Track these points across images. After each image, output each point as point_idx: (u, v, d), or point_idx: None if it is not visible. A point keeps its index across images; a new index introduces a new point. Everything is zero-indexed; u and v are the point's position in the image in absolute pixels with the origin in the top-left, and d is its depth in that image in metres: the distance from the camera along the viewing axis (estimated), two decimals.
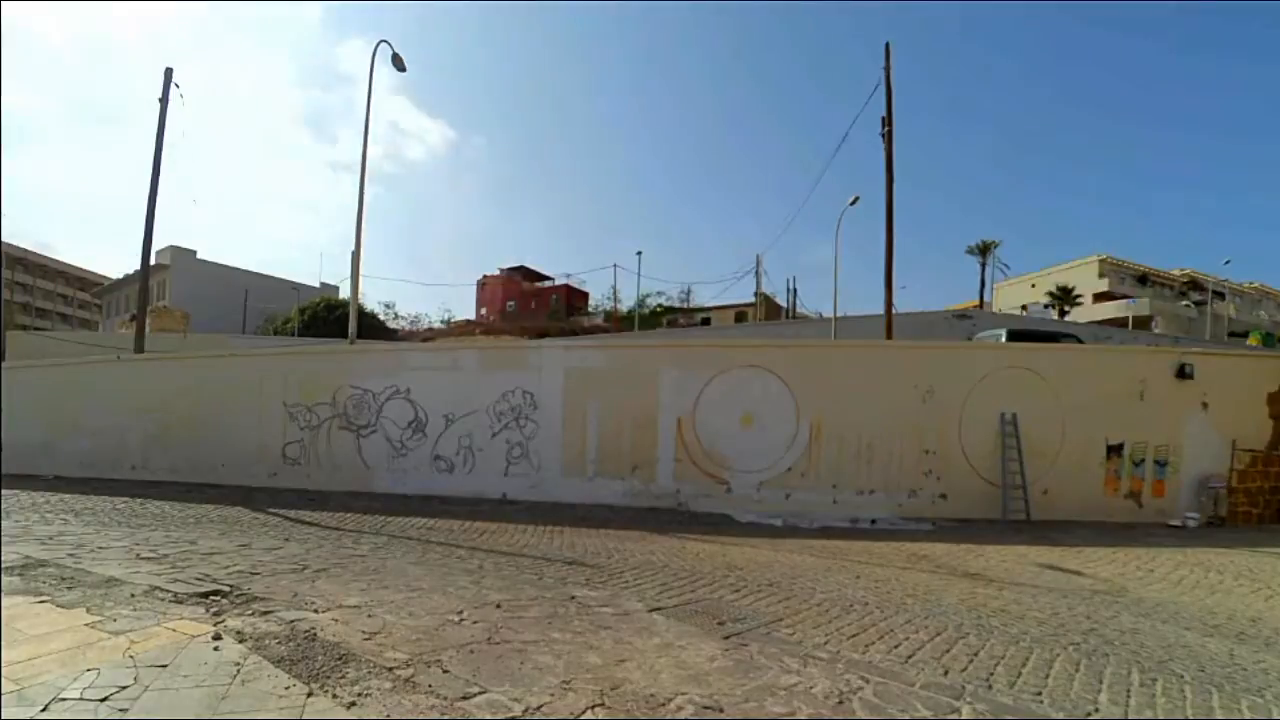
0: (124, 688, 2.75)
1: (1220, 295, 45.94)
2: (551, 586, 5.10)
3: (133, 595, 4.30)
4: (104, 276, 63.11)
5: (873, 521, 10.02)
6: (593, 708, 2.78)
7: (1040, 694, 3.22)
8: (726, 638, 3.89)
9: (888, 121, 17.00)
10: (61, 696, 2.65)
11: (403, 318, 49.07)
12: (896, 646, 3.87)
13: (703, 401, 10.89)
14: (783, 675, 3.27)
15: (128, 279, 48.44)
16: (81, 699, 2.64)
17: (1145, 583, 6.35)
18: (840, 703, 2.96)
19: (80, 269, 71.13)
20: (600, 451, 11.17)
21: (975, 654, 3.80)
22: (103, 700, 2.63)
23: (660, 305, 49.24)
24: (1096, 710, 3.08)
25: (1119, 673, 3.61)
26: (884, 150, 17.02)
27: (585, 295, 55.72)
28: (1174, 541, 8.97)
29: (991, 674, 3.46)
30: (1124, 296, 48.43)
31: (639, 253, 74.63)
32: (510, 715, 2.68)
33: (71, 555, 5.57)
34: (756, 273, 44.62)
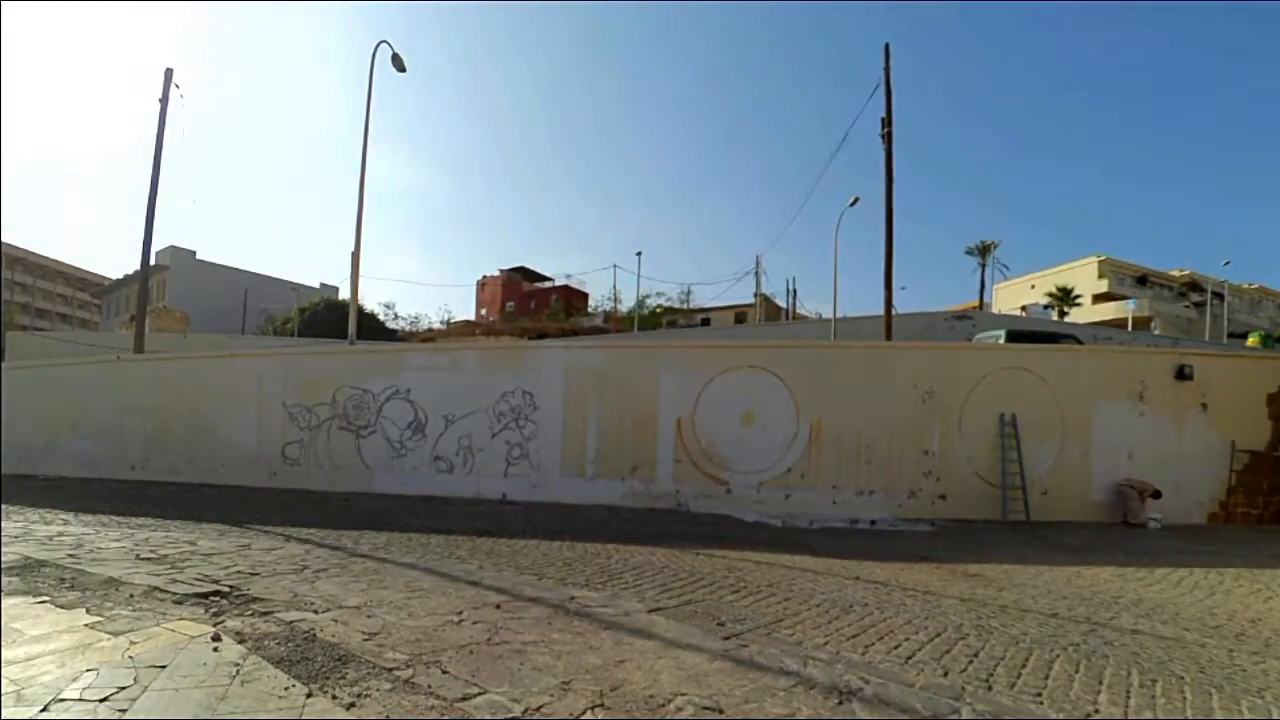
0: (123, 688, 2.75)
1: (1220, 296, 45.92)
2: (551, 587, 5.10)
3: (132, 596, 4.29)
4: (103, 276, 63.11)
5: (872, 522, 10.01)
6: (592, 708, 2.77)
7: (1040, 695, 3.22)
8: (726, 638, 3.89)
9: (887, 122, 17.01)
10: (61, 696, 2.65)
11: (402, 318, 49.11)
12: (896, 647, 3.87)
13: (702, 402, 10.89)
14: (783, 676, 3.27)
15: (127, 279, 48.45)
16: (81, 699, 2.64)
17: (1145, 583, 6.35)
18: (840, 703, 2.96)
19: (80, 269, 71.10)
20: (600, 452, 11.17)
21: (975, 655, 3.80)
22: (102, 700, 2.63)
23: (660, 306, 49.28)
24: (1096, 711, 3.08)
25: (1119, 673, 3.61)
26: (884, 151, 17.03)
27: (585, 296, 55.79)
28: (1174, 542, 8.97)
29: (991, 675, 3.46)
30: (1123, 297, 48.45)
31: (639, 253, 74.68)
32: (510, 716, 2.68)
33: (71, 556, 5.57)
34: (756, 273, 44.64)
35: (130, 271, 47.38)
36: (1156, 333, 37.82)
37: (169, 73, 17.51)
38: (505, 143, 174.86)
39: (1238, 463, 10.87)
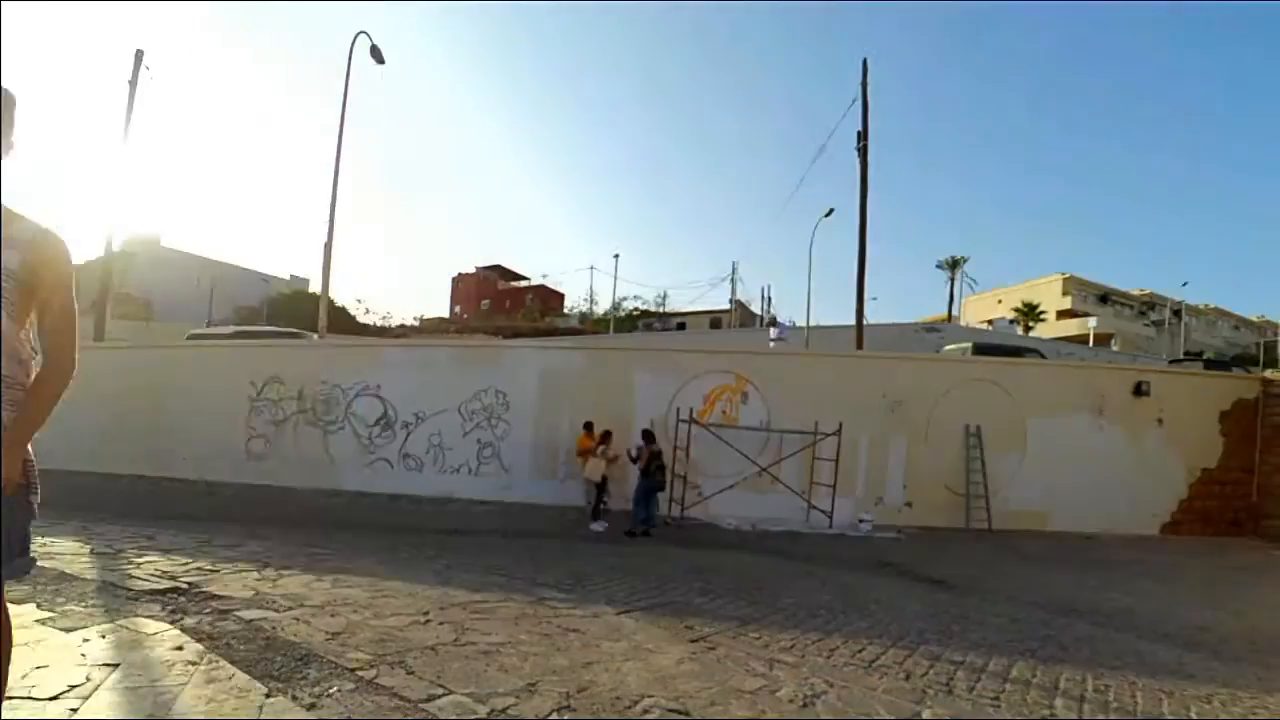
0: (74, 686, 2.66)
1: (1178, 315, 47.54)
2: (520, 588, 5.07)
3: (85, 592, 4.16)
4: None
5: (839, 528, 10.14)
6: (559, 710, 2.77)
7: (998, 698, 3.30)
8: (694, 641, 3.91)
9: (863, 136, 17.27)
10: (8, 695, 2.55)
11: (374, 313, 48.42)
12: (860, 651, 3.93)
13: (676, 406, 10.93)
14: (749, 678, 3.30)
15: (88, 265, 46.96)
16: (29, 697, 2.54)
17: (1100, 591, 6.54)
18: (804, 706, 3.00)
19: None
20: (572, 454, 11.12)
21: (936, 659, 3.87)
22: (52, 699, 2.54)
23: (636, 309, 49.35)
24: (1053, 714, 3.16)
25: (1073, 678, 3.71)
26: (859, 164, 17.30)
27: (561, 296, 55.63)
28: (1129, 553, 9.25)
29: (952, 679, 3.53)
30: (1086, 314, 49.87)
31: (616, 255, 74.47)
32: (475, 717, 2.65)
33: None
34: (732, 280, 44.92)
35: (92, 257, 45.95)
36: (1116, 349, 38.99)
37: (139, 54, 17.06)
38: (486, 141, 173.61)
39: (1191, 476, 11.25)
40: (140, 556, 5.35)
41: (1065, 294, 51.70)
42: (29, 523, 1.85)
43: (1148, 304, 53.88)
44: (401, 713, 2.65)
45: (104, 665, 2.90)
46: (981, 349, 16.46)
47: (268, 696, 2.71)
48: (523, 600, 4.66)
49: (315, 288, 40.56)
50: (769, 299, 43.60)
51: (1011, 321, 46.63)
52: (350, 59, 15.33)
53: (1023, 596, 6.07)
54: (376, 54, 15.50)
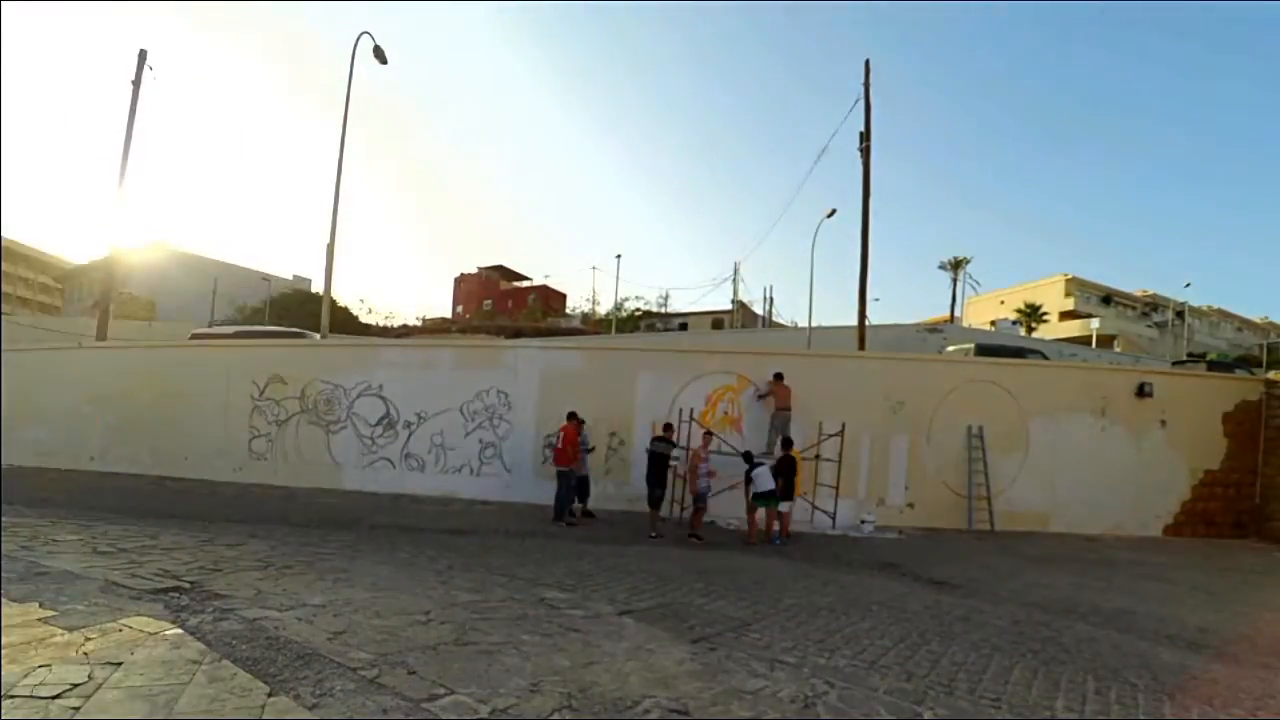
0: (76, 685, 2.67)
1: (1181, 316, 47.42)
2: (521, 589, 5.07)
3: (88, 591, 4.17)
4: (66, 261, 61.29)
5: (842, 528, 10.12)
6: (560, 710, 2.77)
7: (999, 700, 3.30)
8: (695, 641, 3.91)
9: (866, 137, 17.24)
10: (11, 693, 2.56)
11: (377, 313, 48.41)
12: (861, 652, 3.93)
13: (678, 406, 10.91)
14: (750, 679, 3.30)
15: (91, 265, 47.07)
16: (32, 696, 2.56)
17: (1101, 593, 6.52)
18: (805, 707, 3.00)
19: (41, 252, 68.95)
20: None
21: (938, 660, 3.87)
22: (54, 698, 2.55)
23: (638, 310, 49.29)
24: (1054, 716, 3.16)
25: (1075, 680, 3.71)
26: (861, 165, 17.27)
27: (563, 296, 55.61)
28: (1131, 554, 9.23)
29: (953, 680, 3.53)
30: (1089, 315, 49.75)
31: (618, 256, 74.61)
32: (477, 717, 2.66)
33: (25, 548, 5.39)
34: (734, 280, 44.79)
35: (95, 257, 46.04)
36: (1119, 350, 38.89)
37: (143, 54, 17.08)
38: (489, 143, 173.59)
39: (1194, 478, 11.21)
40: (143, 556, 5.37)
41: (1068, 295, 51.59)
42: None
43: (1151, 305, 53.78)
44: (403, 712, 2.66)
45: (106, 664, 2.91)
46: (984, 350, 16.42)
47: (270, 696, 2.72)
48: (524, 600, 4.66)
49: (318, 288, 40.57)
50: (771, 300, 43.50)
51: (1014, 323, 46.49)
52: (353, 60, 15.34)
53: (1024, 597, 6.06)
54: (380, 54, 15.51)
